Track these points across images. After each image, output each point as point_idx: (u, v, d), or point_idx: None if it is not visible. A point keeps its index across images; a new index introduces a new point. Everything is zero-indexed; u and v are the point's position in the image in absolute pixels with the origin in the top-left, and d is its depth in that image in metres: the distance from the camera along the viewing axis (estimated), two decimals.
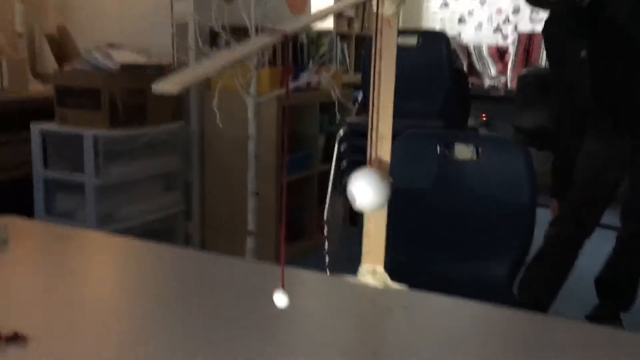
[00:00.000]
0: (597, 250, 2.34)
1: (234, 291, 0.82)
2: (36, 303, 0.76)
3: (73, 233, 1.07)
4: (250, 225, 2.36)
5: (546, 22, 2.17)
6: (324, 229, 2.81)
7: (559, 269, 2.27)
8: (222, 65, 0.46)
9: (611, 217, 2.38)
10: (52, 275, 0.86)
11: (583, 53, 2.04)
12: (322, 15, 0.59)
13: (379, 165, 0.83)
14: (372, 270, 0.87)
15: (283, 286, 0.60)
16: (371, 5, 0.81)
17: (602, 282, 2.36)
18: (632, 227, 2.22)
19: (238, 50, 0.49)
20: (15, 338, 0.65)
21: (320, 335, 0.71)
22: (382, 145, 0.83)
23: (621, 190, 2.22)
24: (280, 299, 0.60)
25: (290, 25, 0.56)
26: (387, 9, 0.79)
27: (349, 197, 0.79)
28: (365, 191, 0.77)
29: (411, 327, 0.73)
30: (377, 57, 0.80)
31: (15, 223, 1.07)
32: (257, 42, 0.51)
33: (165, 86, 0.42)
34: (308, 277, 0.89)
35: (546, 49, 2.24)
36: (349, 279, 0.87)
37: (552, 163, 2.32)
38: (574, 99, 2.14)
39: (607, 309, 2.36)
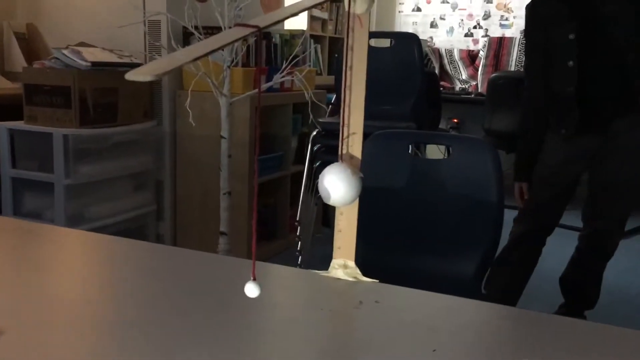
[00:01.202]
0: (562, 250, 2.39)
1: (205, 284, 0.83)
2: (8, 296, 0.76)
3: (43, 229, 1.06)
4: (223, 226, 2.36)
5: (533, 2, 2.17)
6: (296, 229, 2.82)
7: (523, 267, 2.32)
8: (195, 55, 0.47)
9: (574, 218, 2.43)
10: (23, 269, 0.86)
11: (572, 36, 2.05)
12: (296, 10, 0.60)
13: (350, 160, 0.84)
14: (343, 265, 0.88)
15: (254, 277, 0.61)
16: (344, 6, 0.83)
17: (566, 281, 2.41)
18: (592, 225, 2.28)
19: (212, 42, 0.50)
20: None
21: (291, 328, 0.72)
22: (353, 141, 0.84)
23: (583, 191, 2.28)
24: (251, 290, 0.60)
25: (264, 20, 0.57)
26: (359, 7, 0.81)
27: (321, 192, 0.80)
28: (337, 185, 0.78)
29: (382, 320, 0.74)
30: (349, 53, 0.81)
31: None
32: (230, 35, 0.52)
33: (139, 74, 0.43)
34: (279, 271, 0.90)
35: (527, 31, 2.22)
36: (320, 273, 0.88)
37: (516, 146, 2.34)
38: (546, 84, 2.15)
39: (573, 307, 2.41)
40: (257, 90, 2.62)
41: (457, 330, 0.73)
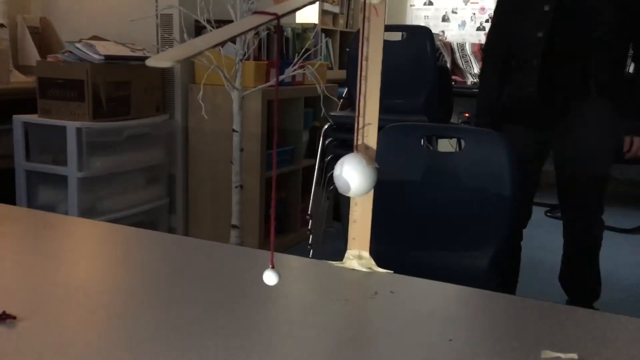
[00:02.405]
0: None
1: (219, 273, 0.83)
2: (23, 285, 0.77)
3: (58, 219, 1.07)
4: (234, 219, 2.37)
5: None
6: (307, 223, 2.82)
7: (510, 270, 2.31)
8: (215, 42, 0.47)
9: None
10: (38, 257, 0.86)
11: (547, 7, 2.03)
12: None
13: (365, 151, 0.84)
14: (357, 255, 0.88)
15: (272, 265, 0.61)
16: (356, 1, 0.82)
17: (564, 279, 2.39)
18: (570, 221, 2.27)
19: (230, 29, 0.50)
20: (4, 317, 0.65)
21: (307, 318, 0.72)
22: (368, 131, 0.84)
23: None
24: (270, 277, 0.61)
25: (282, 8, 0.57)
26: None
27: (336, 182, 0.80)
28: (352, 176, 0.78)
29: (398, 310, 0.74)
30: (365, 42, 0.81)
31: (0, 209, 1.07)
32: (249, 22, 0.52)
33: (159, 60, 0.43)
34: (294, 262, 0.90)
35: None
36: (335, 263, 0.89)
37: (478, 91, 2.35)
38: (512, 29, 2.14)
39: (578, 303, 2.39)
40: (269, 83, 2.62)
41: (473, 320, 0.73)
